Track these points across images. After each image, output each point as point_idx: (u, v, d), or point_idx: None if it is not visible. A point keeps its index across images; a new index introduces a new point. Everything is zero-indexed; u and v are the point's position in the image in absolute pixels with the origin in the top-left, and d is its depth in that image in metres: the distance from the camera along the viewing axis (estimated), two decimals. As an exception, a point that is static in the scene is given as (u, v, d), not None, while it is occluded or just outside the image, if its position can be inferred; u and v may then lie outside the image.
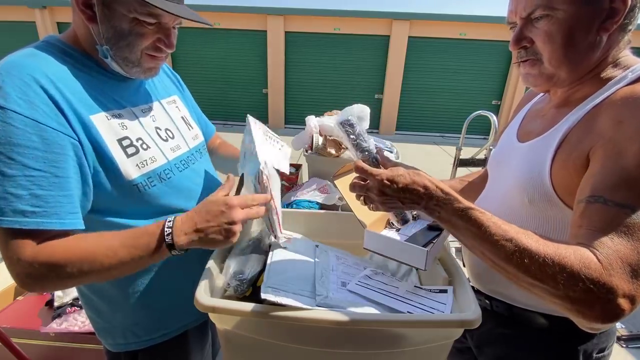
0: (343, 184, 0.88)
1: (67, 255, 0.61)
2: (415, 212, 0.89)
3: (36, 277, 0.60)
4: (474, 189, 1.01)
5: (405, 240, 0.78)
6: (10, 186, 0.57)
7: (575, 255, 0.51)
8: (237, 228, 0.68)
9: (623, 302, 0.48)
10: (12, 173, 0.57)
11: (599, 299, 0.49)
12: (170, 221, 0.67)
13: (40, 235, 0.60)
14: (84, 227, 0.64)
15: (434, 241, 0.78)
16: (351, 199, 0.86)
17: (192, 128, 0.94)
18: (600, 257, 0.50)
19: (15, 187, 0.57)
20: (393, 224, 0.92)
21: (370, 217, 0.87)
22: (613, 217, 0.52)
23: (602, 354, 0.78)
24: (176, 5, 0.69)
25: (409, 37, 8.98)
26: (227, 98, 9.89)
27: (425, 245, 0.74)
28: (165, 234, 0.65)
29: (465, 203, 0.60)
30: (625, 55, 0.67)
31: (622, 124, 0.57)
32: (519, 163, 0.75)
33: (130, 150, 0.72)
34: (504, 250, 0.54)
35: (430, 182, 0.62)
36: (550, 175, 0.66)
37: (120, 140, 0.70)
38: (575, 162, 0.62)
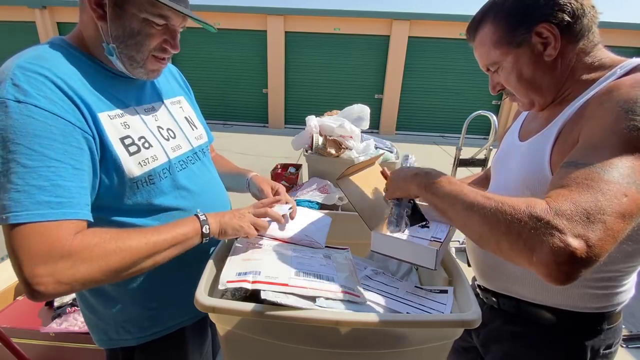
0: (348, 185, 0.88)
1: (109, 255, 0.61)
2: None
3: (75, 274, 0.57)
4: None
5: (412, 241, 0.78)
6: (31, 178, 0.56)
7: (525, 200, 0.51)
8: (247, 215, 0.80)
9: (574, 242, 0.44)
10: (33, 164, 0.57)
11: (545, 235, 0.46)
12: (204, 219, 0.75)
13: (74, 226, 0.59)
14: (92, 220, 0.65)
15: (441, 240, 0.78)
16: (355, 201, 0.86)
17: (196, 128, 0.95)
18: (550, 201, 0.49)
19: (36, 179, 0.57)
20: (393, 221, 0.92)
21: (375, 219, 0.87)
22: (577, 174, 0.52)
23: (609, 350, 0.78)
24: (184, 8, 0.72)
25: (409, 37, 8.98)
26: (227, 98, 9.88)
27: (433, 245, 0.75)
28: (204, 230, 0.74)
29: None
30: (605, 56, 0.71)
31: (602, 104, 0.60)
32: (521, 160, 0.78)
33: (132, 148, 0.73)
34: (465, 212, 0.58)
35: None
36: (550, 167, 0.69)
37: (122, 139, 0.71)
38: (570, 149, 0.64)
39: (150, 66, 0.76)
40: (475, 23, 0.76)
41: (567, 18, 0.66)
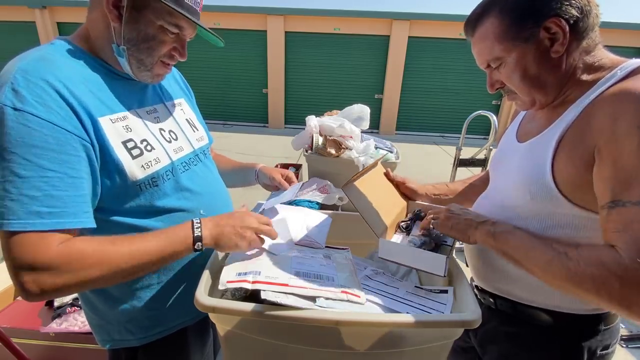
0: (353, 192, 0.87)
1: (100, 259, 0.62)
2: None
3: (52, 279, 0.58)
4: (475, 190, 1.01)
5: (417, 247, 0.79)
6: (25, 188, 0.57)
7: (602, 255, 0.55)
8: (249, 234, 0.75)
9: None
10: (27, 174, 0.57)
11: (635, 294, 0.51)
12: (198, 222, 0.72)
13: (59, 236, 0.60)
14: (95, 226, 0.66)
15: (450, 245, 0.79)
16: (362, 207, 0.85)
17: (197, 130, 0.96)
18: (624, 253, 0.53)
19: (29, 189, 0.57)
20: (403, 228, 0.92)
21: (385, 223, 0.87)
22: (634, 216, 0.54)
23: (606, 351, 0.78)
24: (201, 22, 0.74)
25: (409, 37, 8.98)
26: (227, 98, 9.88)
27: (442, 252, 0.77)
28: (195, 235, 0.70)
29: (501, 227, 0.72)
30: (605, 56, 0.69)
31: (618, 120, 0.58)
32: (520, 162, 0.77)
33: (135, 152, 0.73)
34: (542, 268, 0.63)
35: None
36: (552, 172, 0.68)
37: (125, 143, 0.72)
38: (582, 159, 0.63)
39: (156, 70, 0.78)
40: (476, 16, 0.73)
41: (575, 14, 0.64)
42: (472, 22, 0.75)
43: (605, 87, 0.64)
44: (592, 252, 0.57)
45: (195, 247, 0.70)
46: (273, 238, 0.81)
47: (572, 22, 0.65)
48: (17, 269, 0.58)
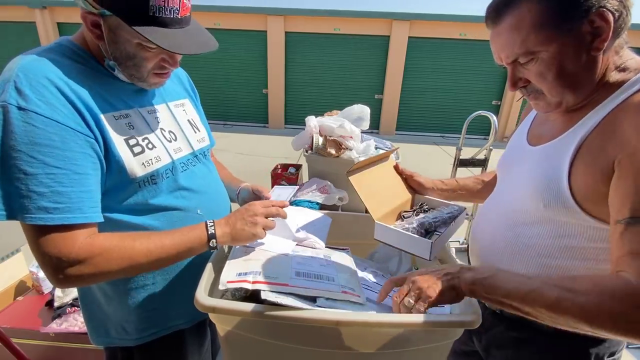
0: (358, 177, 0.92)
1: (120, 250, 0.67)
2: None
3: (78, 271, 0.63)
4: (490, 190, 1.00)
5: (410, 233, 0.84)
6: (32, 184, 0.59)
7: (614, 285, 0.51)
8: (259, 219, 0.78)
9: None
10: (33, 171, 0.59)
11: None
12: (211, 222, 0.76)
13: (69, 230, 0.63)
14: (102, 220, 0.68)
15: (439, 233, 0.81)
16: (363, 192, 0.90)
17: (199, 131, 0.95)
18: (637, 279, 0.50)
19: (37, 185, 0.59)
20: (404, 217, 0.97)
21: (381, 210, 0.91)
22: None
23: (612, 357, 0.77)
24: (177, 32, 0.69)
25: (409, 37, 8.98)
26: (227, 98, 9.88)
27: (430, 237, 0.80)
28: (209, 232, 0.74)
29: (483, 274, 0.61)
30: (631, 57, 0.65)
31: None
32: (532, 167, 0.73)
33: (137, 149, 0.73)
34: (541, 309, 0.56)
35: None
36: (569, 181, 0.64)
37: (127, 140, 0.72)
38: (602, 170, 0.60)
39: (151, 80, 0.77)
40: (504, 3, 0.64)
41: (619, 7, 0.59)
42: (498, 9, 0.65)
43: (629, 93, 0.60)
44: (597, 283, 0.53)
45: (210, 244, 0.74)
46: (283, 215, 0.83)
47: (617, 16, 0.59)
48: (45, 259, 0.62)
